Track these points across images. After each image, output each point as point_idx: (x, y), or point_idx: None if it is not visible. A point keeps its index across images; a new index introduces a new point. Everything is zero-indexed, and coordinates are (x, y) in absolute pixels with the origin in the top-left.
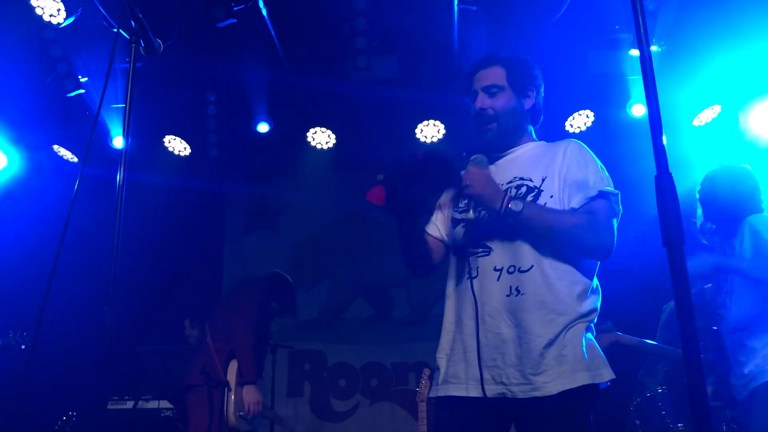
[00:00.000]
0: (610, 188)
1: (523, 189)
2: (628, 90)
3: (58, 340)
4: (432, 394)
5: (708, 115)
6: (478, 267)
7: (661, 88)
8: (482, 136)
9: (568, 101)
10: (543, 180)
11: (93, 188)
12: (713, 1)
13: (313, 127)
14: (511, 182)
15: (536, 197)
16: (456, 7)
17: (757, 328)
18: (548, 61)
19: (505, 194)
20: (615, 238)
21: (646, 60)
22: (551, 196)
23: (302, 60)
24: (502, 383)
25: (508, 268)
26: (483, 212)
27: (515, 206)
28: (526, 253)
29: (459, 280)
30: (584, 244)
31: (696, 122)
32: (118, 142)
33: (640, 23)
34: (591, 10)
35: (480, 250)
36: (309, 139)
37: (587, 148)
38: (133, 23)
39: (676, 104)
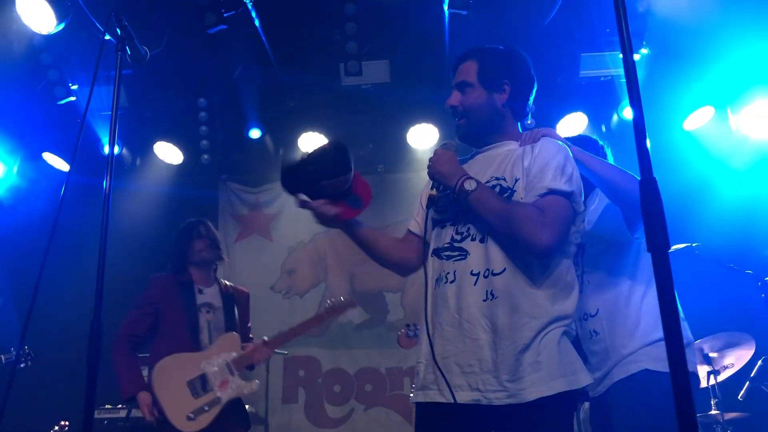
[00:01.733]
0: (564, 186)
1: (497, 189)
2: (619, 93)
3: (48, 347)
4: (412, 400)
5: (700, 116)
6: (455, 271)
7: (652, 91)
8: (456, 131)
9: (560, 104)
10: (516, 180)
11: (85, 196)
12: (703, 4)
13: (305, 132)
14: (487, 182)
15: (508, 198)
16: (447, 12)
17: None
18: (540, 65)
19: (464, 174)
20: (556, 237)
21: (629, 64)
22: (522, 198)
23: (294, 65)
24: (478, 389)
25: (484, 272)
26: (447, 191)
27: (469, 185)
28: (498, 256)
29: (437, 284)
30: (519, 237)
31: (687, 124)
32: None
33: (623, 27)
34: (582, 13)
35: (456, 254)
36: (301, 144)
37: (559, 144)
38: (118, 30)
39: (668, 106)
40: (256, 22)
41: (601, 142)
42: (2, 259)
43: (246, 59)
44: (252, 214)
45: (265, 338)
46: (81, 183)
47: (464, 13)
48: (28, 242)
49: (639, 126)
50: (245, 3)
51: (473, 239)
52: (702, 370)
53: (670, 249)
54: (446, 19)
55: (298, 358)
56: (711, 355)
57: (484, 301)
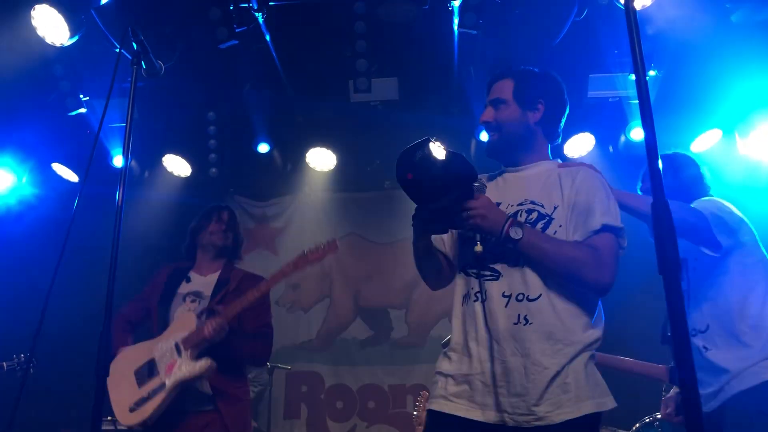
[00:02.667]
0: (616, 222)
1: (534, 215)
2: (627, 114)
3: (55, 357)
4: (431, 406)
5: (707, 139)
6: (486, 290)
7: (660, 113)
8: (487, 147)
9: (568, 124)
10: (555, 208)
11: (94, 207)
12: (712, 27)
13: (313, 148)
14: (522, 204)
15: (546, 225)
16: (456, 31)
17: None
18: None
19: (507, 220)
20: (614, 275)
21: (642, 85)
22: (560, 226)
23: (303, 81)
24: (505, 411)
25: (517, 295)
26: (487, 245)
27: (515, 234)
28: (535, 281)
29: (466, 301)
30: (582, 279)
31: (695, 147)
32: (118, 161)
33: (636, 49)
34: (591, 34)
35: (488, 273)
36: (308, 159)
37: (600, 176)
38: (134, 45)
39: (676, 128)
40: (267, 38)
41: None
42: (9, 266)
43: (256, 74)
44: (258, 227)
45: (216, 307)
46: (89, 193)
47: (474, 32)
48: (34, 251)
49: (651, 147)
50: (257, 19)
51: (507, 262)
52: None
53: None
54: (455, 38)
55: (301, 374)
56: None
57: (515, 324)
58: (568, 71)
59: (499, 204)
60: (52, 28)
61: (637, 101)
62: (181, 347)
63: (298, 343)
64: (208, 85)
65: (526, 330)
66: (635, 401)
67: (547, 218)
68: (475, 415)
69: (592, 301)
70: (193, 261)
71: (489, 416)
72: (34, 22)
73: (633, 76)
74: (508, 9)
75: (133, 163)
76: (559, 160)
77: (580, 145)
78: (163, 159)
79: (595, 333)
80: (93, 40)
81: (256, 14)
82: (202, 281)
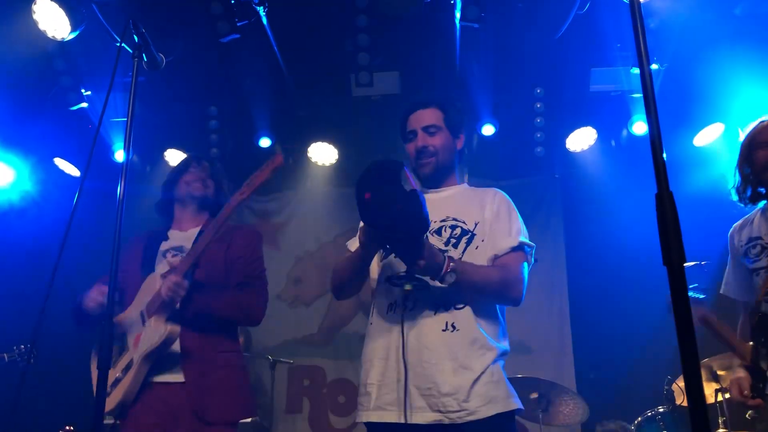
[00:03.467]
0: (527, 240)
1: (458, 230)
2: (629, 108)
3: (55, 351)
4: (362, 420)
5: (710, 133)
6: (415, 300)
7: (662, 106)
8: (420, 171)
9: (570, 119)
10: (476, 224)
11: (95, 202)
12: (714, 20)
13: (315, 142)
14: (444, 221)
15: (470, 240)
16: (458, 24)
17: None
18: (550, 79)
19: (444, 264)
20: (525, 288)
21: (646, 78)
22: (482, 240)
23: (305, 75)
24: (439, 411)
25: (445, 305)
26: (417, 283)
27: (450, 278)
28: (460, 294)
29: (392, 310)
30: (502, 299)
31: (697, 141)
32: (119, 155)
33: (641, 42)
34: (593, 28)
35: (416, 283)
36: (310, 154)
37: (510, 200)
38: (135, 38)
39: (678, 122)
40: (269, 32)
41: None
42: (10, 261)
43: (257, 68)
44: (260, 222)
45: (171, 260)
46: (90, 188)
47: (476, 26)
48: (36, 246)
49: (655, 139)
50: (258, 13)
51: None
52: (710, 388)
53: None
54: (457, 32)
55: (303, 368)
56: (719, 372)
57: (443, 331)
58: (570, 65)
59: None
60: (53, 22)
61: (639, 95)
62: (145, 315)
63: (300, 338)
64: (210, 80)
65: (453, 336)
66: (629, 397)
67: (470, 234)
68: (411, 418)
69: (502, 314)
70: (170, 219)
71: (425, 417)
72: (35, 17)
73: (635, 70)
74: (510, 2)
75: (135, 157)
76: (466, 185)
77: (582, 139)
78: (165, 153)
79: (506, 344)
80: (94, 34)
81: (258, 8)
82: (183, 236)
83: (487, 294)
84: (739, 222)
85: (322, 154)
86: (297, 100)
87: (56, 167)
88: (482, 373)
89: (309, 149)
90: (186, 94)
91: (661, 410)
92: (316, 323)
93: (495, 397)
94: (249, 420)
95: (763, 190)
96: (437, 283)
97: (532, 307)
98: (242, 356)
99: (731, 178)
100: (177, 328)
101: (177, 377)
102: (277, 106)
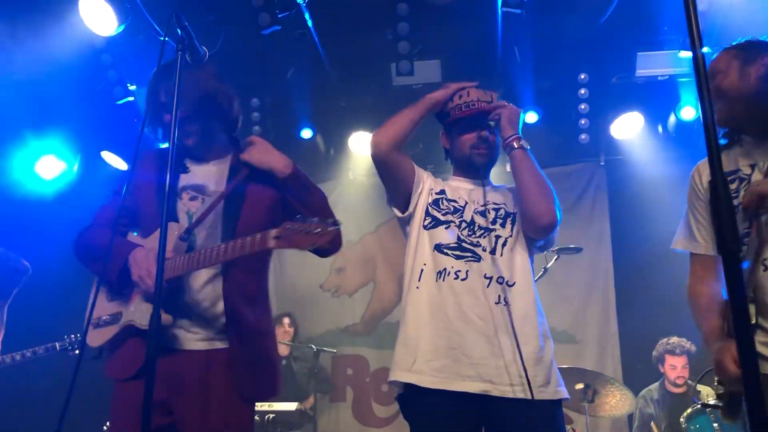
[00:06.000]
0: None
1: (502, 212)
2: (677, 92)
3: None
4: (408, 379)
5: None
6: (467, 270)
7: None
8: (475, 159)
9: (616, 104)
10: (515, 212)
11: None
12: (764, 3)
13: (356, 132)
14: (485, 204)
15: (513, 220)
16: (500, 11)
17: None
18: (595, 64)
19: (516, 132)
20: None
21: (699, 62)
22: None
23: (346, 65)
24: (490, 381)
25: (497, 278)
26: (466, 231)
27: (525, 143)
28: (510, 268)
29: (443, 277)
30: (544, 206)
31: None
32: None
33: (693, 24)
34: (638, 12)
35: (468, 255)
36: (351, 144)
37: None
38: (179, 31)
39: None
40: (309, 23)
41: None
42: (59, 252)
43: (299, 60)
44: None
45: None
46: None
47: (518, 11)
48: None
49: (709, 125)
50: (299, 4)
51: (485, 249)
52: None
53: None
54: (499, 18)
55: (347, 357)
56: None
57: (496, 303)
58: (615, 50)
59: (467, 204)
60: (99, 18)
61: (687, 79)
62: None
63: (343, 327)
64: (252, 72)
65: (506, 310)
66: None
67: (513, 215)
68: (462, 386)
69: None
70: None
71: (474, 387)
72: (81, 13)
73: (684, 53)
74: None
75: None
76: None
77: (628, 126)
78: None
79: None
80: (138, 28)
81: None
82: (204, 172)
83: (536, 191)
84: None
85: (364, 144)
86: (338, 90)
87: (104, 161)
88: (539, 351)
89: (350, 139)
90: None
91: (711, 402)
92: (358, 313)
93: (555, 382)
94: (294, 408)
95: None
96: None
97: (577, 297)
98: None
99: None
100: (169, 319)
101: (213, 344)
102: (319, 97)
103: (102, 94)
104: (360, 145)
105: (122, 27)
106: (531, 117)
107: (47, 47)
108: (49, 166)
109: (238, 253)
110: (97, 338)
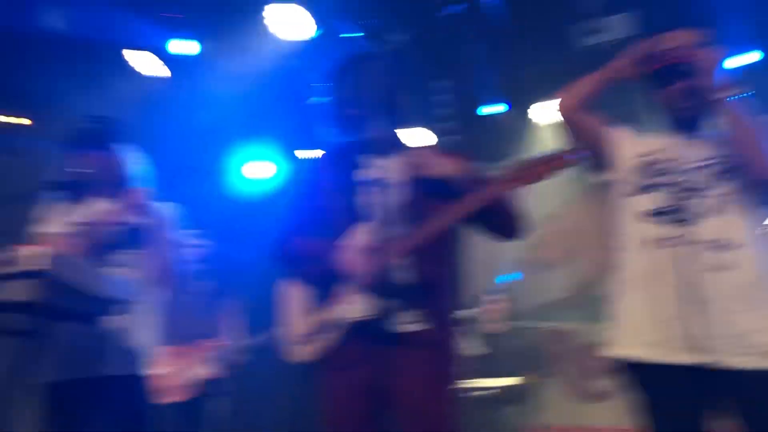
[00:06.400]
0: None
1: (716, 167)
2: None
3: None
4: (624, 352)
5: None
6: (682, 236)
7: None
8: (681, 111)
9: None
10: (731, 166)
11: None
12: None
13: (542, 102)
14: (697, 161)
15: (731, 176)
16: None
17: None
18: None
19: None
20: None
21: None
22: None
23: (530, 33)
24: (712, 352)
25: (713, 241)
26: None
27: (731, 90)
28: (731, 231)
29: (655, 241)
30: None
31: None
32: None
33: None
34: None
35: (683, 220)
36: (537, 116)
37: None
38: (363, 30)
39: None
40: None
41: None
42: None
43: (480, 36)
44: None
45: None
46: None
47: None
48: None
49: None
50: None
51: (697, 211)
52: None
53: None
54: None
55: (555, 332)
56: None
57: (712, 270)
58: None
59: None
60: (294, 24)
61: None
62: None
63: (549, 301)
64: (434, 54)
65: (728, 277)
66: None
67: (729, 169)
68: (682, 358)
69: None
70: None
71: (697, 358)
72: (266, 22)
73: None
74: None
75: None
76: None
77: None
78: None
79: None
80: (325, 31)
81: None
82: (383, 163)
83: (756, 144)
84: None
85: (546, 113)
86: (524, 61)
87: (299, 160)
88: (761, 322)
89: (536, 111)
90: (412, 71)
91: None
92: (565, 286)
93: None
94: (515, 383)
95: None
96: None
97: None
98: None
99: None
100: (386, 305)
101: (417, 325)
102: (504, 70)
103: (295, 97)
104: (547, 116)
105: (319, 32)
106: (752, 57)
107: (244, 61)
108: (256, 170)
109: (452, 217)
110: (312, 351)
